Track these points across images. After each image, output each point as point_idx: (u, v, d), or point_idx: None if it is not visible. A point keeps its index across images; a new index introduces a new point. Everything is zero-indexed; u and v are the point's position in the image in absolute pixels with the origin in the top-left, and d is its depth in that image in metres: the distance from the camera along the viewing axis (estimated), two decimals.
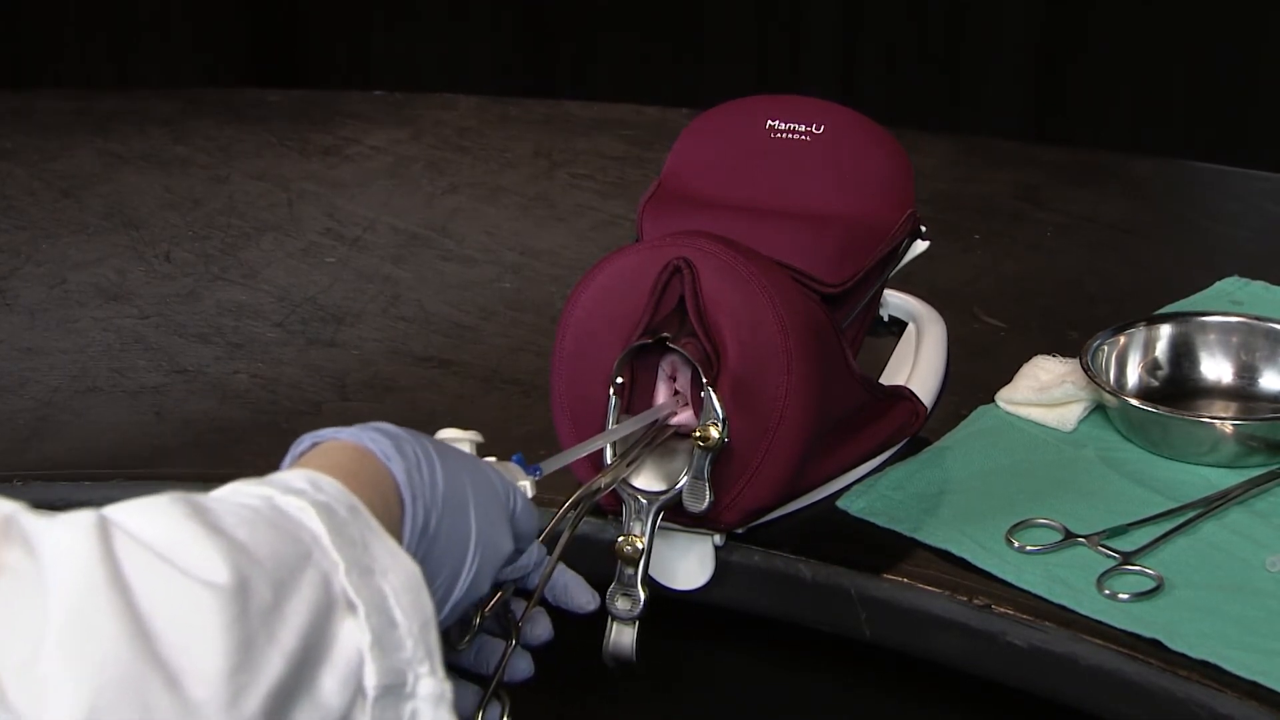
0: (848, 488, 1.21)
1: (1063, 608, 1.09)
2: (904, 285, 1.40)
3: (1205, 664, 1.04)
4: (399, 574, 0.78)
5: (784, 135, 1.26)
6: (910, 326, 1.38)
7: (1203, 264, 1.53)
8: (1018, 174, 1.76)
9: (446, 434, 0.97)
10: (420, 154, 1.86)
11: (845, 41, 3.22)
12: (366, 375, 1.42)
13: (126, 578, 0.69)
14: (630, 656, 1.08)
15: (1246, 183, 1.76)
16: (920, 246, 1.28)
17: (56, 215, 1.73)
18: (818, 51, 3.24)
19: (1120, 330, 1.32)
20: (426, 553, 0.86)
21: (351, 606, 0.76)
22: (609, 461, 1.08)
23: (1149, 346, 1.32)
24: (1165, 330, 1.33)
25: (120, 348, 1.47)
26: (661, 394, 1.10)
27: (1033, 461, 1.25)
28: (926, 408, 1.26)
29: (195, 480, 1.26)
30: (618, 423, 1.08)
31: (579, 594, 1.02)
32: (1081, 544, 1.14)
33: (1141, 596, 1.09)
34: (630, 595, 1.07)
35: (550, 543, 0.99)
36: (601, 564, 1.08)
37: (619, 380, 1.09)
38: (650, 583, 1.08)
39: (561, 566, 1.01)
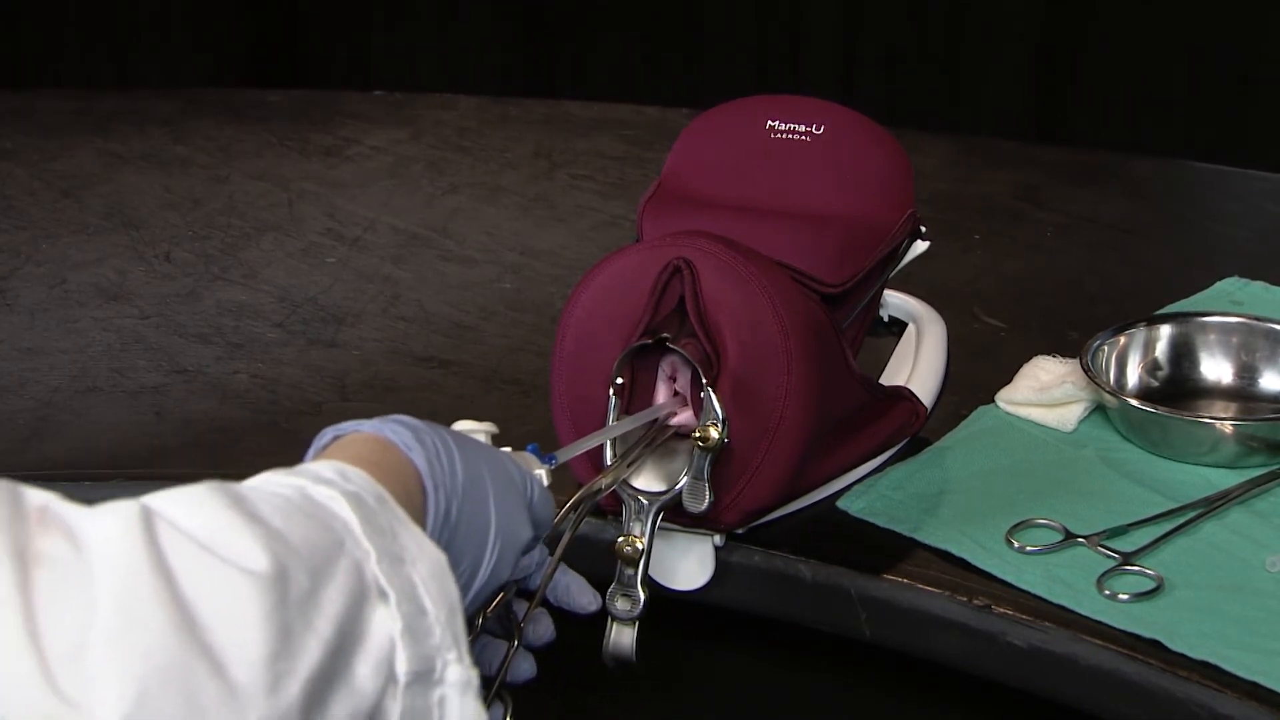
0: (848, 488, 1.21)
1: (1063, 608, 1.09)
2: (904, 285, 1.40)
3: (1205, 664, 1.04)
4: (426, 562, 0.80)
5: (784, 135, 1.26)
6: (910, 326, 1.38)
7: (1203, 264, 1.53)
8: (1018, 174, 1.76)
9: (462, 425, 0.99)
10: (420, 154, 1.86)
11: (845, 41, 3.22)
12: (366, 375, 1.42)
13: (171, 566, 0.71)
14: (630, 657, 1.08)
15: (1246, 183, 1.76)
16: (920, 246, 1.28)
17: (56, 215, 1.73)
18: (818, 51, 3.24)
19: (1120, 330, 1.32)
20: (449, 541, 0.88)
21: (383, 594, 0.77)
22: (609, 462, 1.08)
23: (1149, 347, 1.32)
24: (1165, 330, 1.33)
25: (120, 348, 1.47)
26: (661, 394, 1.10)
27: (1033, 462, 1.25)
28: (926, 408, 1.26)
29: (195, 480, 1.26)
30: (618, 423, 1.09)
31: (580, 595, 1.02)
32: (1081, 544, 1.14)
33: (1141, 597, 1.09)
34: (630, 595, 1.07)
35: (551, 543, 0.99)
36: (601, 564, 1.08)
37: (619, 380, 1.09)
38: (650, 583, 1.08)
39: (563, 567, 1.01)
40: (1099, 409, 1.28)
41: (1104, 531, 1.15)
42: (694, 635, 1.28)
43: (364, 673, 0.75)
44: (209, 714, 0.68)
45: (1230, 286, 1.48)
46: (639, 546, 1.07)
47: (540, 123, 1.94)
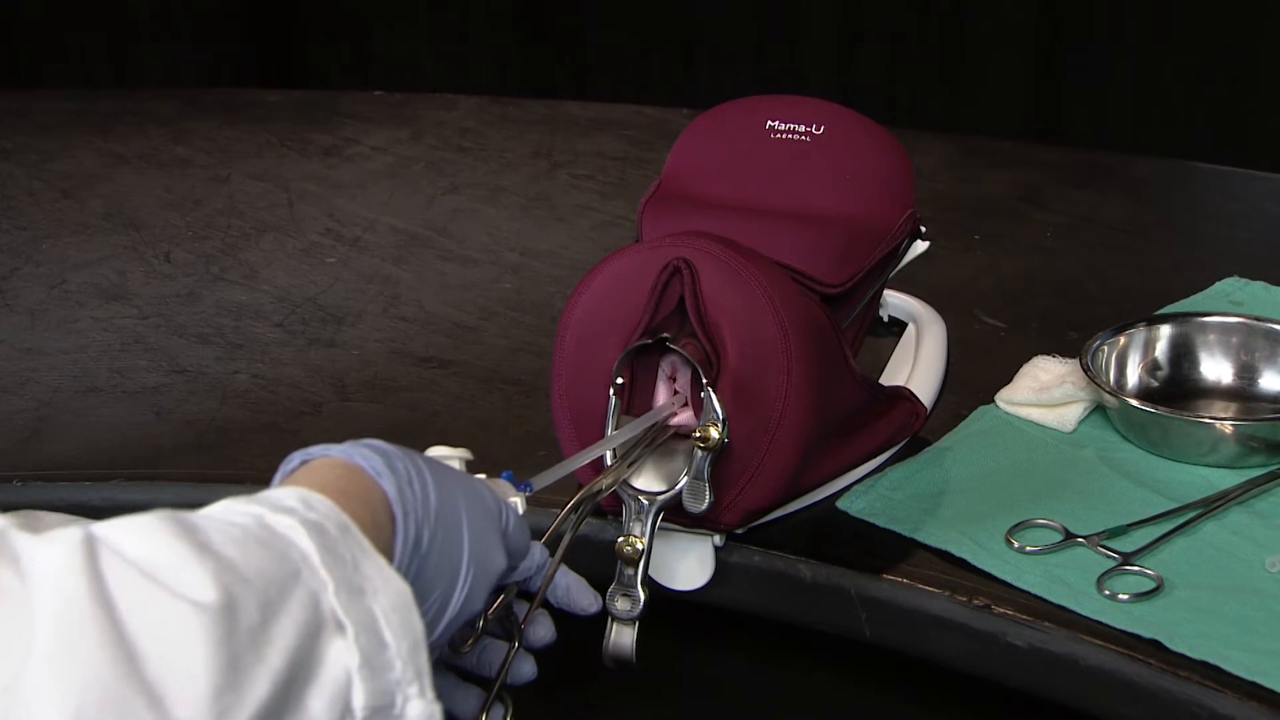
0: (848, 488, 1.21)
1: (1063, 608, 1.09)
2: (904, 285, 1.40)
3: (1205, 664, 1.04)
4: (389, 594, 0.78)
5: (784, 135, 1.26)
6: (910, 327, 1.38)
7: (1203, 264, 1.53)
8: (1018, 174, 1.76)
9: (436, 451, 0.96)
10: (420, 154, 1.86)
11: (845, 41, 3.22)
12: (366, 376, 1.42)
13: (112, 596, 0.69)
14: (630, 657, 1.08)
15: (1246, 183, 1.76)
16: (920, 246, 1.28)
17: (56, 215, 1.73)
18: (818, 51, 3.24)
19: (1120, 330, 1.32)
20: (419, 570, 0.85)
21: (340, 627, 0.75)
22: (609, 463, 1.08)
23: (1149, 347, 1.32)
24: (1165, 330, 1.33)
25: (120, 348, 1.47)
26: (661, 395, 1.10)
27: (1033, 462, 1.25)
28: (926, 408, 1.26)
29: (195, 480, 1.26)
30: (617, 424, 1.08)
31: (581, 596, 1.02)
32: (1081, 544, 1.14)
33: (1141, 597, 1.09)
34: (630, 596, 1.07)
35: (552, 544, 0.99)
36: (601, 564, 1.08)
37: (619, 381, 1.09)
38: (650, 583, 1.08)
39: (563, 568, 1.01)
40: (1099, 409, 1.28)
41: (1104, 532, 1.15)
42: (694, 635, 1.28)
43: (317, 707, 0.73)
44: None
45: (1230, 286, 1.48)
46: (639, 547, 1.07)
47: (540, 123, 1.94)
